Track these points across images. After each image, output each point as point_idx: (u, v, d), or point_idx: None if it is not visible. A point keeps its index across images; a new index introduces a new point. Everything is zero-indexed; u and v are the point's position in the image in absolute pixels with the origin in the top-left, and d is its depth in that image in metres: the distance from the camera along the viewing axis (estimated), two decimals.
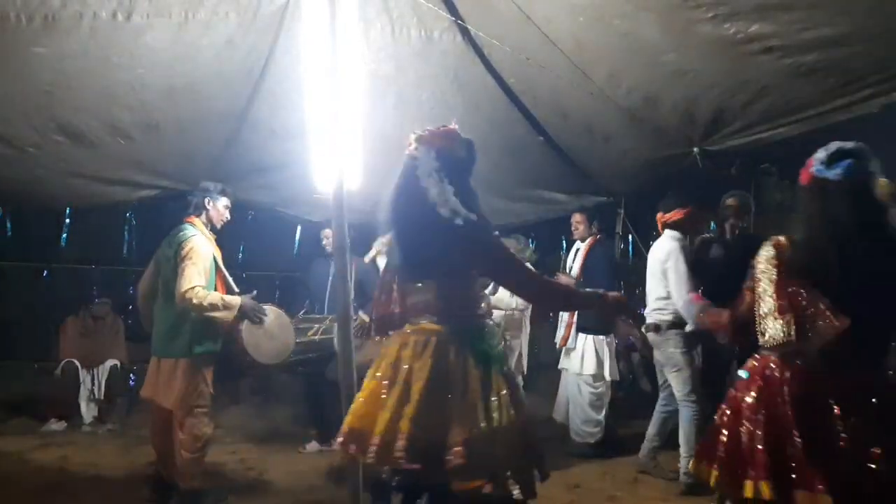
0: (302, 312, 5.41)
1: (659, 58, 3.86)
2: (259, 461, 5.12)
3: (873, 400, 2.27)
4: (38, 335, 7.19)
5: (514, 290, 2.99)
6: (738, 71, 3.80)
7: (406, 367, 2.44)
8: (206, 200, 4.10)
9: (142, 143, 4.66)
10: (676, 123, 4.55)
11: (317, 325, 5.04)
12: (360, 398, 2.53)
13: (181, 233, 3.97)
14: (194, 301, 3.73)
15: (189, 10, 3.59)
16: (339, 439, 2.50)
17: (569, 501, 4.22)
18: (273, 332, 4.21)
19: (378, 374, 2.51)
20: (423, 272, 2.57)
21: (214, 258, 3.99)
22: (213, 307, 3.81)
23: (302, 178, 3.67)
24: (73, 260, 7.80)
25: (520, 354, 5.54)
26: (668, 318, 4.51)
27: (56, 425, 5.98)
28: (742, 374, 2.50)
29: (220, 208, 4.16)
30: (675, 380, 4.53)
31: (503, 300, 5.34)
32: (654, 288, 4.64)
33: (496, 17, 3.88)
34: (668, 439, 4.73)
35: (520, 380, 5.41)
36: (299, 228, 8.70)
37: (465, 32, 4.09)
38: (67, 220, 7.65)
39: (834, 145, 2.44)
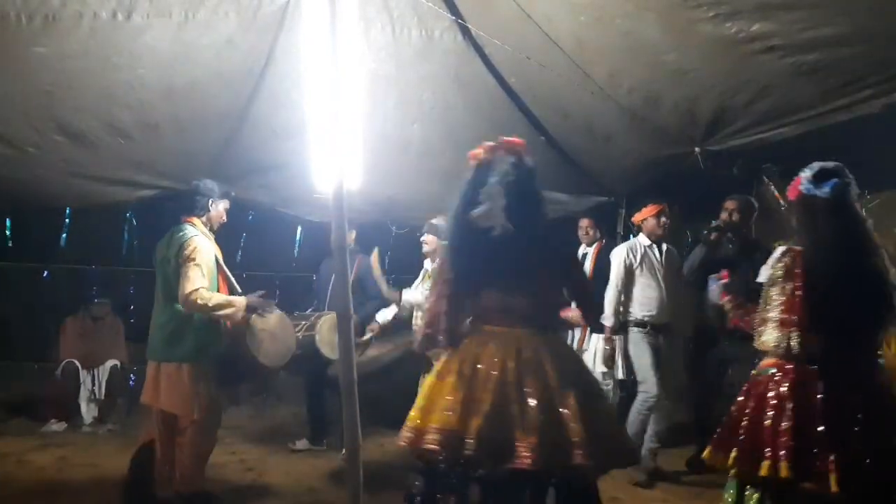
0: (310, 310, 5.42)
1: (660, 57, 3.85)
2: (258, 462, 5.12)
3: (863, 393, 2.62)
4: (38, 336, 7.19)
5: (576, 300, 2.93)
6: (740, 70, 3.79)
7: (530, 369, 2.50)
8: (210, 202, 4.05)
9: (141, 143, 4.65)
10: (678, 123, 4.55)
11: (303, 323, 5.03)
12: (450, 401, 2.51)
13: (181, 233, 3.88)
14: (199, 303, 3.67)
15: (189, 10, 3.58)
16: (432, 442, 2.47)
17: None
18: (276, 333, 4.17)
19: (476, 378, 2.51)
20: (516, 278, 2.62)
21: (216, 258, 3.94)
22: (219, 307, 3.75)
23: (302, 177, 3.66)
24: (73, 260, 7.80)
25: None
26: None
27: (56, 426, 5.97)
28: (770, 370, 2.75)
29: (220, 210, 4.12)
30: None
31: None
32: None
33: (497, 17, 3.87)
34: (669, 439, 4.74)
35: None
36: (299, 229, 8.70)
37: (465, 32, 4.08)
38: (67, 221, 7.65)
39: (817, 165, 2.78)
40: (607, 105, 4.43)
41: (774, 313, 2.66)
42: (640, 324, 4.81)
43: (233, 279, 4.07)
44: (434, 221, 4.91)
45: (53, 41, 3.54)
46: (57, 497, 4.31)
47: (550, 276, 2.70)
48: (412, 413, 2.63)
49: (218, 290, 3.89)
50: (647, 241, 4.95)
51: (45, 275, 7.85)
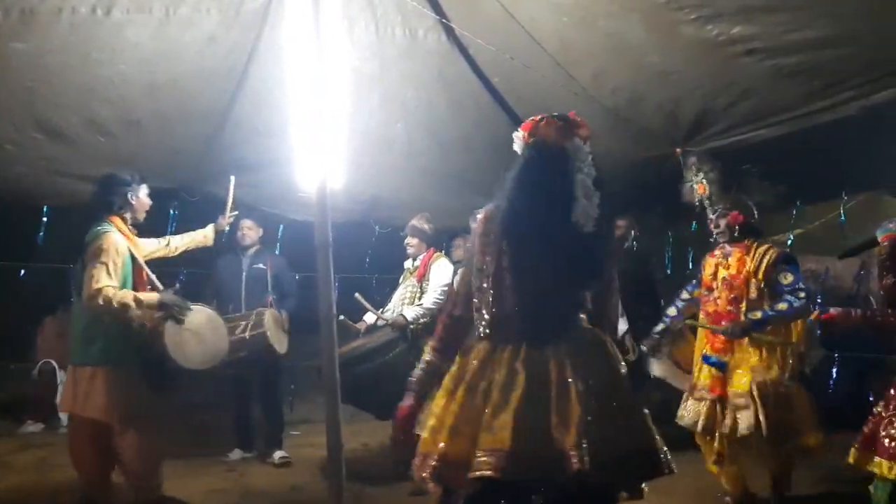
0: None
1: (643, 58, 3.87)
2: (240, 462, 5.09)
3: None
4: (15, 335, 7.09)
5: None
6: (722, 72, 3.83)
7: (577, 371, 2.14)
8: (130, 196, 3.77)
9: (123, 140, 4.59)
10: (660, 124, 4.57)
11: (244, 322, 4.79)
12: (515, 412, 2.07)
13: (94, 229, 3.62)
14: (101, 303, 3.40)
15: (170, 6, 3.55)
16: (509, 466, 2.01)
17: None
18: (203, 334, 3.84)
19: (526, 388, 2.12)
20: (568, 281, 2.28)
21: (133, 255, 3.67)
22: (125, 307, 3.46)
23: (285, 176, 3.64)
24: (52, 259, 7.69)
25: None
26: None
27: (33, 427, 5.91)
28: None
29: (142, 198, 3.83)
30: None
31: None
32: None
33: (481, 17, 3.87)
34: None
35: None
36: (281, 227, 8.63)
37: (449, 31, 4.08)
38: (45, 219, 7.55)
39: None
40: (591, 105, 4.44)
41: None
42: None
43: (154, 278, 3.80)
44: (415, 223, 4.90)
45: (32, 37, 3.50)
46: (36, 499, 4.27)
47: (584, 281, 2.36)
48: (498, 436, 2.08)
49: (135, 290, 3.62)
50: None
51: (22, 274, 7.74)
